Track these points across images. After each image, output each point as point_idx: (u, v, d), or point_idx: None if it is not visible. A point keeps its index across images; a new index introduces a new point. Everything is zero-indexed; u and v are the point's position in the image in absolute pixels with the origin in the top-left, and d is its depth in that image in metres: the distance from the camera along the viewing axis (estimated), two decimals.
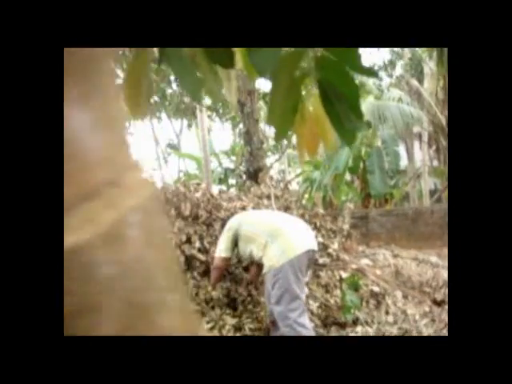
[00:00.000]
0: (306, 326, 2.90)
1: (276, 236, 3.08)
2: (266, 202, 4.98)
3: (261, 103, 9.07)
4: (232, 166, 11.84)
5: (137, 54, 0.92)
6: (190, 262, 3.73)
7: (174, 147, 14.36)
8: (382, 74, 9.38)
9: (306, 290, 3.69)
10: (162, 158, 13.28)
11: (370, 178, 8.88)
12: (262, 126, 7.99)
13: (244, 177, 7.31)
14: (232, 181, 11.30)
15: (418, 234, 6.01)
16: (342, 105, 1.15)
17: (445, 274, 4.69)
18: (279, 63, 1.05)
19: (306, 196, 11.40)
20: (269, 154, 13.44)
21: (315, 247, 3.21)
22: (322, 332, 3.48)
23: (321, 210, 5.19)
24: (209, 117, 11.39)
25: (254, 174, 6.61)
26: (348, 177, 10.80)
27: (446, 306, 3.75)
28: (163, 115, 12.96)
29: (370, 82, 9.14)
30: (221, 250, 3.27)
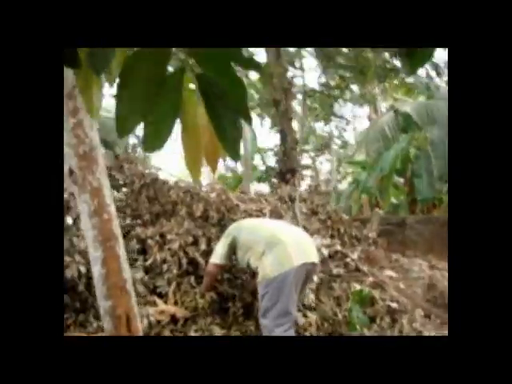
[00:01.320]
0: None
1: (273, 245, 2.90)
2: (288, 205, 4.77)
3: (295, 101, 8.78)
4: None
5: None
6: (194, 264, 3.60)
7: None
8: (432, 72, 8.75)
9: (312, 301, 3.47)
10: None
11: (416, 182, 8.36)
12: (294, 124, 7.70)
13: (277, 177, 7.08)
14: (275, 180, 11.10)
15: None
16: (227, 107, 0.94)
17: None
18: (128, 61, 0.86)
19: (354, 197, 11.01)
20: (306, 154, 13.12)
21: (316, 260, 2.98)
22: None
23: (345, 216, 4.88)
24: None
25: (286, 175, 6.38)
26: (400, 179, 10.26)
27: None
28: None
29: (418, 81, 8.56)
30: (216, 256, 3.13)
